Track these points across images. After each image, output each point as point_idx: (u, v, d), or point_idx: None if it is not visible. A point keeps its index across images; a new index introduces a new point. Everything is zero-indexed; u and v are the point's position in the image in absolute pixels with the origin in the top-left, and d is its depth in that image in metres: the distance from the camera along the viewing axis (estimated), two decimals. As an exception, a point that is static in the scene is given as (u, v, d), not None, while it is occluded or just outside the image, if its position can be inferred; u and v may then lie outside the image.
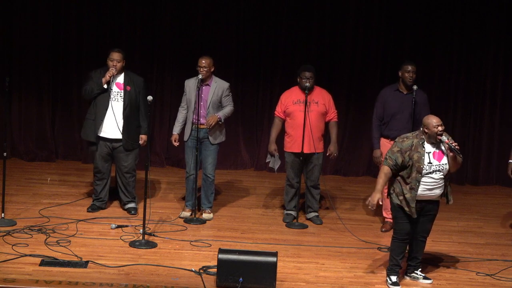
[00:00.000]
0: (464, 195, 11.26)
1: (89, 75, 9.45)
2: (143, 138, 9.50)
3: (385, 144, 9.32)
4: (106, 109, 9.36)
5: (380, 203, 8.01)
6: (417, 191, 7.68)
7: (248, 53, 11.88)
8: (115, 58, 9.33)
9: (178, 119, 9.64)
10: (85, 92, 9.40)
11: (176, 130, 9.63)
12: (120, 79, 9.41)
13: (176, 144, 9.64)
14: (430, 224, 7.96)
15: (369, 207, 7.75)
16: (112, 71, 9.29)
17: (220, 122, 9.48)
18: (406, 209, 7.70)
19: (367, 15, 11.70)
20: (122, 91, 9.38)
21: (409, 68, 9.29)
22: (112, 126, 9.37)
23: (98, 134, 9.39)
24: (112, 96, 9.36)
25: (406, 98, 9.29)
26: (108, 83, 9.32)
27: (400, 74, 9.35)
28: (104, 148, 9.46)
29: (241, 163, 12.14)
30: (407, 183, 7.70)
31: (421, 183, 7.67)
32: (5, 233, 8.63)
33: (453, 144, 7.67)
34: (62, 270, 7.76)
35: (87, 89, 9.36)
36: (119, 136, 9.40)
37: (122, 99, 9.37)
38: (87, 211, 9.56)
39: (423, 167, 7.64)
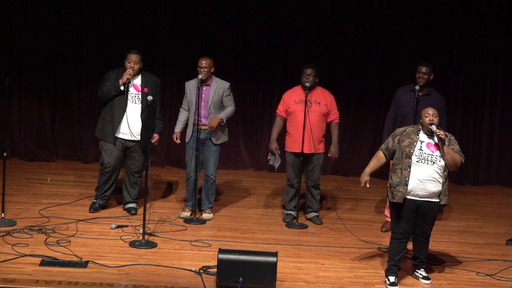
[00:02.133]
0: (464, 195, 11.26)
1: (106, 76, 9.39)
2: (155, 137, 9.49)
3: None
4: (124, 111, 9.31)
5: (368, 185, 8.11)
6: (407, 177, 7.71)
7: (248, 53, 11.88)
8: (133, 60, 9.29)
9: (180, 119, 9.63)
10: (102, 93, 9.33)
11: (178, 128, 9.62)
12: (138, 80, 9.38)
13: (178, 141, 9.62)
14: (429, 226, 7.94)
15: (361, 185, 8.05)
16: (129, 72, 9.26)
17: (222, 123, 9.47)
18: (394, 198, 7.77)
19: (367, 15, 11.70)
20: (140, 93, 9.35)
21: (423, 69, 9.23)
22: (129, 127, 9.34)
23: (116, 135, 9.38)
24: (130, 98, 9.32)
25: (420, 99, 9.20)
26: (125, 84, 9.29)
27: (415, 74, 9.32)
28: (119, 148, 9.43)
29: (241, 163, 12.15)
30: (398, 169, 7.79)
31: (411, 169, 7.71)
32: (5, 233, 8.63)
33: (439, 132, 7.73)
34: (62, 270, 7.76)
35: (104, 90, 9.30)
36: (135, 138, 9.38)
37: (140, 101, 9.35)
38: (90, 212, 9.54)
39: (413, 151, 7.75)
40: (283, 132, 9.71)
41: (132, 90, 9.35)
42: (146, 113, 9.27)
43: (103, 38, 11.75)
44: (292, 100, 9.51)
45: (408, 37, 11.67)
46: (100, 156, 9.69)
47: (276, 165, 9.72)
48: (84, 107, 11.88)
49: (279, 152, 9.65)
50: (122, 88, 9.26)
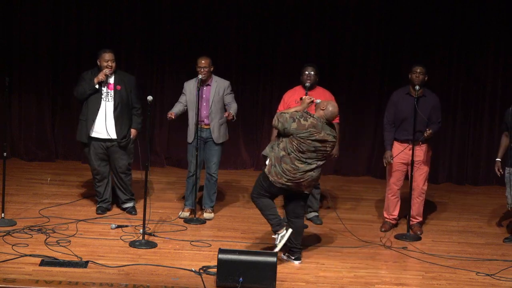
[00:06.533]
0: (464, 195, 11.26)
1: (81, 77, 9.44)
2: (132, 132, 9.49)
3: (397, 147, 9.29)
4: (98, 110, 9.33)
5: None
6: None
7: (248, 53, 11.88)
8: (110, 59, 9.30)
9: (177, 104, 9.58)
10: (77, 93, 9.38)
11: (174, 110, 9.56)
12: (111, 80, 9.38)
13: (170, 117, 9.50)
14: None
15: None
16: (106, 71, 9.26)
17: (234, 120, 9.48)
18: None
19: (367, 15, 11.69)
20: (112, 91, 9.36)
21: (418, 69, 9.22)
22: (103, 126, 9.34)
23: (90, 135, 9.38)
24: (103, 97, 9.34)
25: (418, 100, 9.17)
26: (100, 83, 9.30)
27: (409, 76, 9.29)
28: (99, 149, 9.43)
29: (241, 163, 12.14)
30: None
31: None
32: (5, 233, 8.64)
33: None
34: (62, 270, 7.77)
35: (79, 90, 9.34)
36: (110, 136, 9.39)
37: (113, 99, 9.36)
38: (97, 214, 9.54)
39: None
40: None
41: (105, 88, 9.35)
42: (119, 110, 9.31)
43: (103, 38, 11.74)
44: (292, 100, 9.50)
45: (408, 37, 11.66)
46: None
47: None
48: (84, 107, 11.88)
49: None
50: (97, 86, 9.27)
